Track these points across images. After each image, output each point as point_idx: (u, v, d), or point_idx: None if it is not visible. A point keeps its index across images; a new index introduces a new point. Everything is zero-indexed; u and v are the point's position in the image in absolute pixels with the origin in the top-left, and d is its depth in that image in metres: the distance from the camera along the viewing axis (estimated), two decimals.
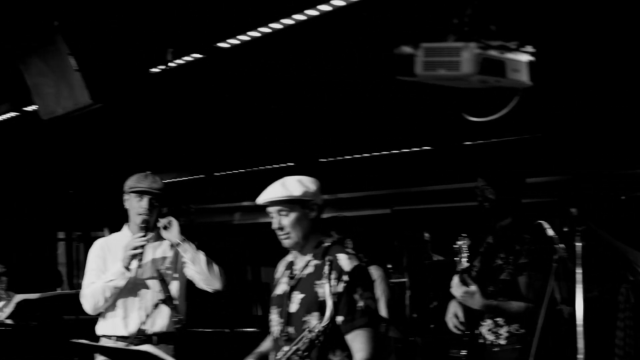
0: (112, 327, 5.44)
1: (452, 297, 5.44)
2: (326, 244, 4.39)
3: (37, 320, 7.34)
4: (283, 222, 4.34)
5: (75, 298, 7.83)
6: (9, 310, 7.43)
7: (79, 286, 5.84)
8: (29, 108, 7.47)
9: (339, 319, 4.18)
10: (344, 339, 4.21)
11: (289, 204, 4.32)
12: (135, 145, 8.12)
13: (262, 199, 4.38)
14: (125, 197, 5.45)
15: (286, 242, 4.42)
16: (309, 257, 4.41)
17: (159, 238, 5.47)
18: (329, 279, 4.17)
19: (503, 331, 5.24)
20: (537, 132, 6.35)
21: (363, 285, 4.25)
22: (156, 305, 5.24)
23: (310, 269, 4.36)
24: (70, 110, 5.62)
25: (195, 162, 8.57)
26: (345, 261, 4.26)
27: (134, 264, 5.32)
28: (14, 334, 7.17)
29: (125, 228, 5.55)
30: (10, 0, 5.48)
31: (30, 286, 10.61)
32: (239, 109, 6.80)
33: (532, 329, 5.03)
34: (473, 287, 5.07)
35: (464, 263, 5.06)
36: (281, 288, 4.51)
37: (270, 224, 4.32)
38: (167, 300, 5.23)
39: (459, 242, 5.08)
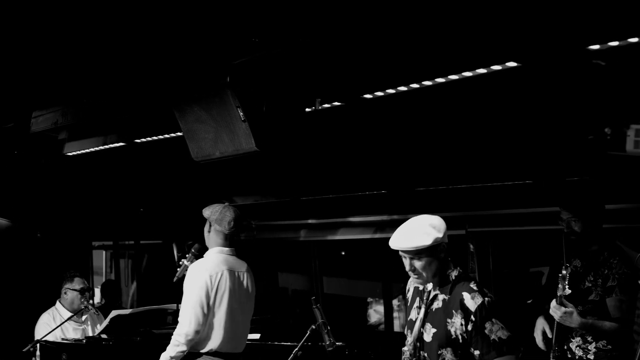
0: None
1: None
2: (452, 279, 4.54)
3: (138, 335, 7.44)
4: (415, 265, 4.51)
5: (163, 313, 8.21)
6: (102, 325, 7.52)
7: None
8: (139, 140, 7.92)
9: (476, 353, 4.42)
10: None
11: (420, 252, 4.48)
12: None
13: (394, 245, 4.54)
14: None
15: (417, 282, 4.63)
16: (437, 290, 4.58)
17: None
18: (460, 319, 4.43)
19: (592, 347, 5.59)
20: None
21: (490, 320, 4.39)
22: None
23: (439, 303, 4.54)
24: (228, 155, 6.01)
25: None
26: (470, 301, 4.42)
27: None
28: (117, 349, 7.30)
29: None
30: (172, 56, 5.94)
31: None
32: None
33: (620, 346, 5.52)
34: (570, 308, 5.36)
35: (567, 290, 5.32)
36: (414, 314, 4.71)
37: None
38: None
39: (563, 272, 5.33)
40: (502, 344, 4.37)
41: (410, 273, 4.58)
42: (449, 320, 4.48)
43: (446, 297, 4.52)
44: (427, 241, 4.43)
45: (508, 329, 4.42)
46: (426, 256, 4.48)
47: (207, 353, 5.89)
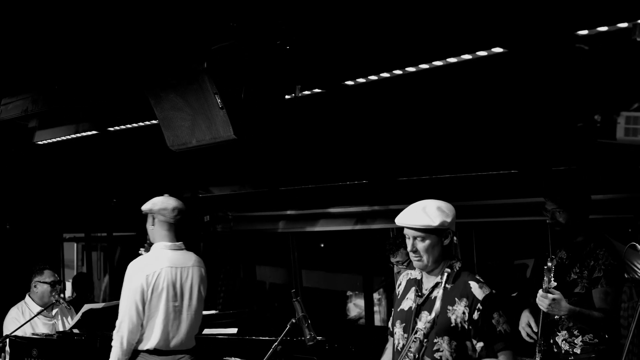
0: None
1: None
2: (456, 269, 4.49)
3: (111, 330, 7.29)
4: (417, 246, 4.46)
5: None
6: (74, 320, 7.36)
7: None
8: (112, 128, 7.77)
9: (479, 345, 4.37)
10: None
11: (426, 231, 4.43)
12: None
13: (400, 221, 4.50)
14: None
15: (417, 264, 4.53)
16: (437, 278, 4.49)
17: None
18: (464, 307, 4.37)
19: (578, 341, 5.49)
20: None
21: (498, 311, 4.37)
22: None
23: (439, 292, 4.42)
24: (205, 143, 5.85)
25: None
26: (477, 290, 4.38)
27: None
28: (90, 344, 7.09)
29: None
30: (147, 41, 5.82)
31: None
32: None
33: (607, 340, 5.45)
34: (557, 295, 5.17)
35: (552, 282, 5.16)
36: (407, 304, 4.60)
37: None
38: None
39: (549, 264, 5.17)
40: (507, 337, 4.38)
41: (411, 255, 4.54)
42: (449, 307, 4.41)
43: (448, 286, 4.45)
44: (433, 222, 4.40)
45: (510, 325, 4.40)
46: (430, 238, 4.44)
47: (146, 351, 5.79)
